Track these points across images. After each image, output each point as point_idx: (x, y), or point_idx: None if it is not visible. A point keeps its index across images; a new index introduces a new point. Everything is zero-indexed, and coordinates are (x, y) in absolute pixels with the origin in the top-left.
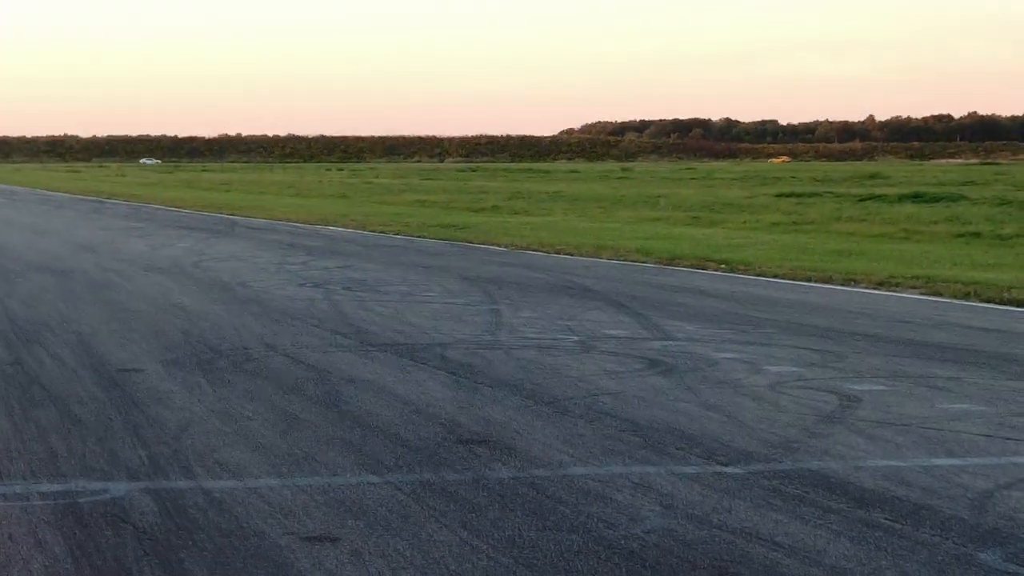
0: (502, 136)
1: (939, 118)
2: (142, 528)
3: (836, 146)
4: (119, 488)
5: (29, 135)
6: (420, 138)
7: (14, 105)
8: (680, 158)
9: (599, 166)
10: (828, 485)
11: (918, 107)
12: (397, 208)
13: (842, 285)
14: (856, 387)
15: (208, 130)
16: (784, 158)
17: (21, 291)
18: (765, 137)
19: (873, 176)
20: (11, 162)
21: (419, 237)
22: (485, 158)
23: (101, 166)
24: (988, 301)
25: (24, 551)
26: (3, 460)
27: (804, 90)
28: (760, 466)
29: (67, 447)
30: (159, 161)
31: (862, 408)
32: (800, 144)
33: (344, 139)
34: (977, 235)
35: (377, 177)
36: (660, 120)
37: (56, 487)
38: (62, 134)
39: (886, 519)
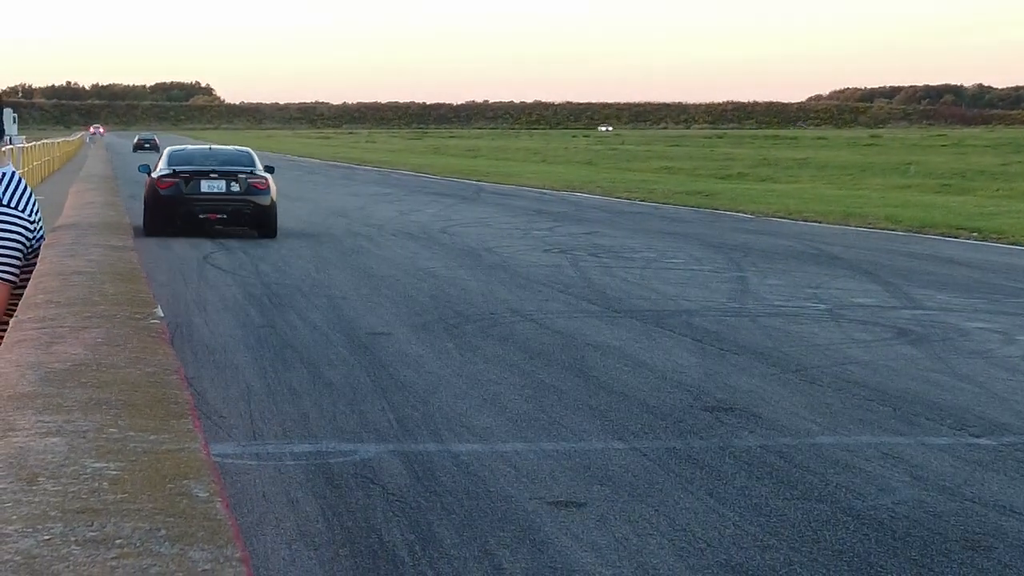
0: (749, 102)
1: None
2: (391, 490)
3: None
4: (368, 450)
5: (282, 102)
6: (666, 104)
7: (268, 73)
8: (930, 125)
9: (847, 133)
10: None
11: None
12: (643, 175)
13: None
14: None
15: (456, 97)
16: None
17: (273, 256)
18: (1020, 103)
19: None
20: (263, 128)
21: (665, 204)
22: (731, 124)
23: (351, 132)
24: None
25: (277, 510)
26: (257, 421)
27: None
28: (1013, 438)
29: (318, 409)
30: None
31: None
32: None
33: (590, 105)
34: None
35: (623, 143)
36: (910, 86)
37: (307, 448)
38: (313, 101)
39: None
